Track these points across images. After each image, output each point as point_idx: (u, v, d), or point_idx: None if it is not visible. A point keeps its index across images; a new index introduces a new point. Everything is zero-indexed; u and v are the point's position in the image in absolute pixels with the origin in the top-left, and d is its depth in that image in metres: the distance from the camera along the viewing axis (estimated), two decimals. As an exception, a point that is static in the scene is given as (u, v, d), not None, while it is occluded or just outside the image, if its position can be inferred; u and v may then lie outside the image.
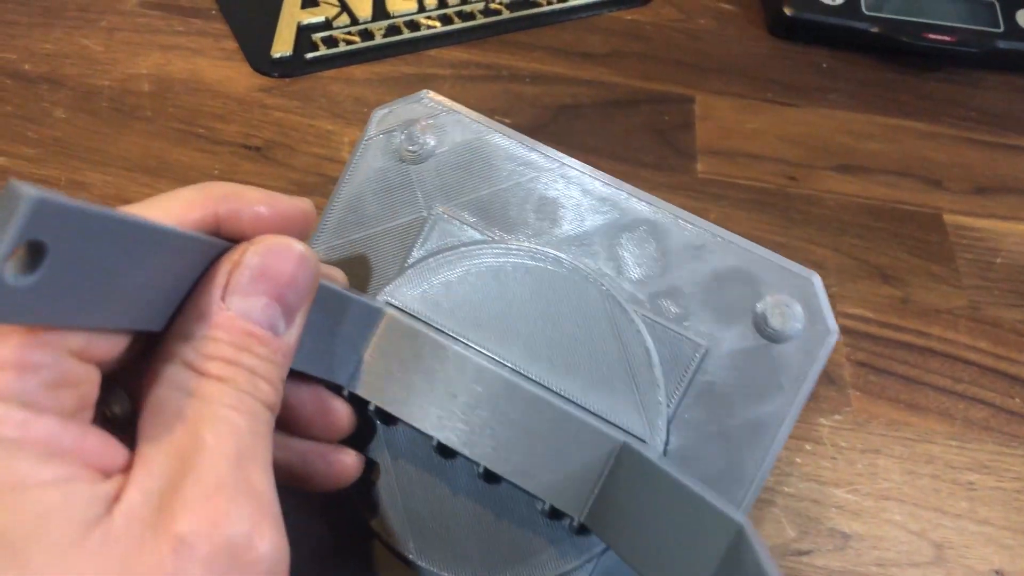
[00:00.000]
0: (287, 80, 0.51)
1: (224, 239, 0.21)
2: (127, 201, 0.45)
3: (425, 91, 0.30)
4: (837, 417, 0.39)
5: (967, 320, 0.43)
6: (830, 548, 0.35)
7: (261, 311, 0.21)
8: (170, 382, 0.20)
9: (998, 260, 0.46)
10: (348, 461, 0.26)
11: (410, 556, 0.27)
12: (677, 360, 0.27)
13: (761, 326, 0.27)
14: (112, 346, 0.19)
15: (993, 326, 0.43)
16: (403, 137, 0.29)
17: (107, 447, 0.19)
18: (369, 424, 0.27)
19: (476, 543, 0.27)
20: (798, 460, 0.37)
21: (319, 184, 0.46)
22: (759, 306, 0.27)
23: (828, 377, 0.40)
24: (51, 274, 0.16)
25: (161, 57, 0.52)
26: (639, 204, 0.29)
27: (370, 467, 0.27)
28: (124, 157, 0.46)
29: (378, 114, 0.30)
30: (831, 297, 0.44)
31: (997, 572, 0.35)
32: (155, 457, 0.19)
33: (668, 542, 0.22)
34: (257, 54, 0.52)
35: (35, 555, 0.17)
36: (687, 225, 0.28)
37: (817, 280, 0.27)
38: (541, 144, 0.30)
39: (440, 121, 0.30)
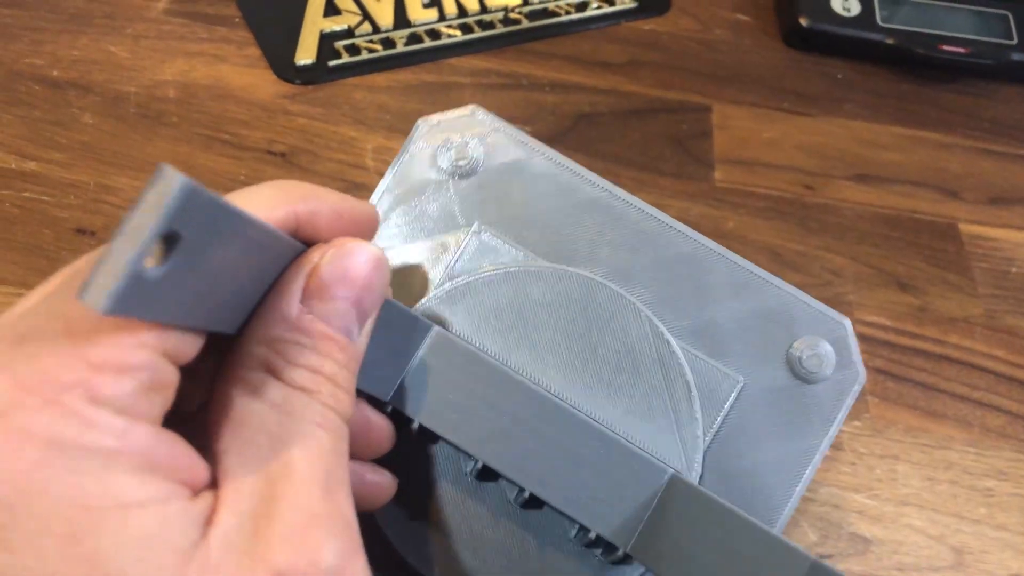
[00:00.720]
0: (310, 87, 0.52)
1: (300, 240, 0.21)
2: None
3: (475, 106, 0.30)
4: (856, 423, 0.39)
5: (983, 328, 0.43)
6: (851, 552, 0.35)
7: (341, 316, 0.20)
8: (251, 388, 0.19)
9: (1013, 269, 0.46)
10: (383, 482, 0.26)
11: None
12: (713, 394, 0.27)
13: (795, 366, 0.27)
14: (194, 347, 0.19)
15: (1009, 334, 0.43)
16: (451, 151, 0.29)
17: (192, 459, 0.18)
18: (403, 442, 0.27)
19: (503, 569, 0.26)
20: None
21: (343, 190, 0.46)
22: (794, 347, 0.28)
23: (847, 384, 0.41)
24: (177, 267, 0.16)
25: (186, 64, 0.52)
26: (684, 239, 0.29)
27: (399, 487, 0.27)
28: (152, 162, 0.47)
29: (423, 124, 0.30)
30: (848, 304, 0.44)
31: (1015, 577, 0.35)
32: (243, 477, 0.18)
33: (710, 560, 0.23)
34: (280, 61, 0.53)
35: None
36: (729, 263, 0.29)
37: (849, 325, 0.28)
38: (588, 170, 0.29)
39: (490, 138, 0.29)
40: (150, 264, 0.15)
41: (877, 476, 0.38)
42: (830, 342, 0.28)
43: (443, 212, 0.29)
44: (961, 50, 0.56)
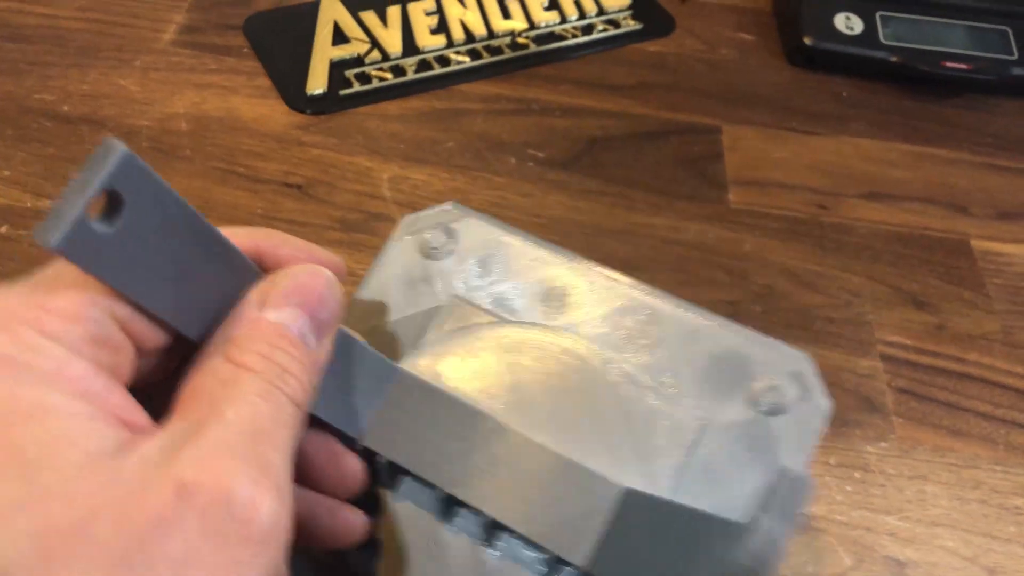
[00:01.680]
0: (322, 117, 0.52)
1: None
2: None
3: (451, 201, 0.33)
4: (883, 444, 0.40)
5: (1001, 345, 0.44)
6: None
7: (293, 321, 0.22)
8: (205, 371, 0.21)
9: (1026, 284, 0.47)
10: (354, 520, 0.27)
11: None
12: (677, 436, 0.28)
13: (756, 404, 0.28)
14: (151, 333, 0.21)
15: (1026, 350, 0.44)
16: (427, 236, 0.32)
17: (134, 408, 0.20)
18: (376, 485, 0.28)
19: None
20: (848, 488, 0.38)
21: (362, 220, 0.47)
22: (753, 386, 0.29)
23: (871, 404, 0.41)
24: (124, 231, 0.18)
25: (196, 96, 0.52)
26: (640, 293, 0.31)
27: (372, 529, 0.28)
28: (167, 197, 0.47)
29: (406, 219, 0.33)
30: (868, 325, 0.45)
31: (1048, 595, 0.36)
32: (175, 423, 0.20)
33: (676, 564, 0.24)
34: (292, 91, 0.53)
35: (44, 473, 0.18)
36: (684, 312, 0.30)
37: (807, 361, 0.29)
38: (550, 243, 0.32)
39: (462, 225, 0.33)
40: (95, 216, 0.18)
41: (907, 497, 0.38)
42: (791, 378, 0.29)
43: (424, 289, 0.32)
44: (963, 66, 0.56)
